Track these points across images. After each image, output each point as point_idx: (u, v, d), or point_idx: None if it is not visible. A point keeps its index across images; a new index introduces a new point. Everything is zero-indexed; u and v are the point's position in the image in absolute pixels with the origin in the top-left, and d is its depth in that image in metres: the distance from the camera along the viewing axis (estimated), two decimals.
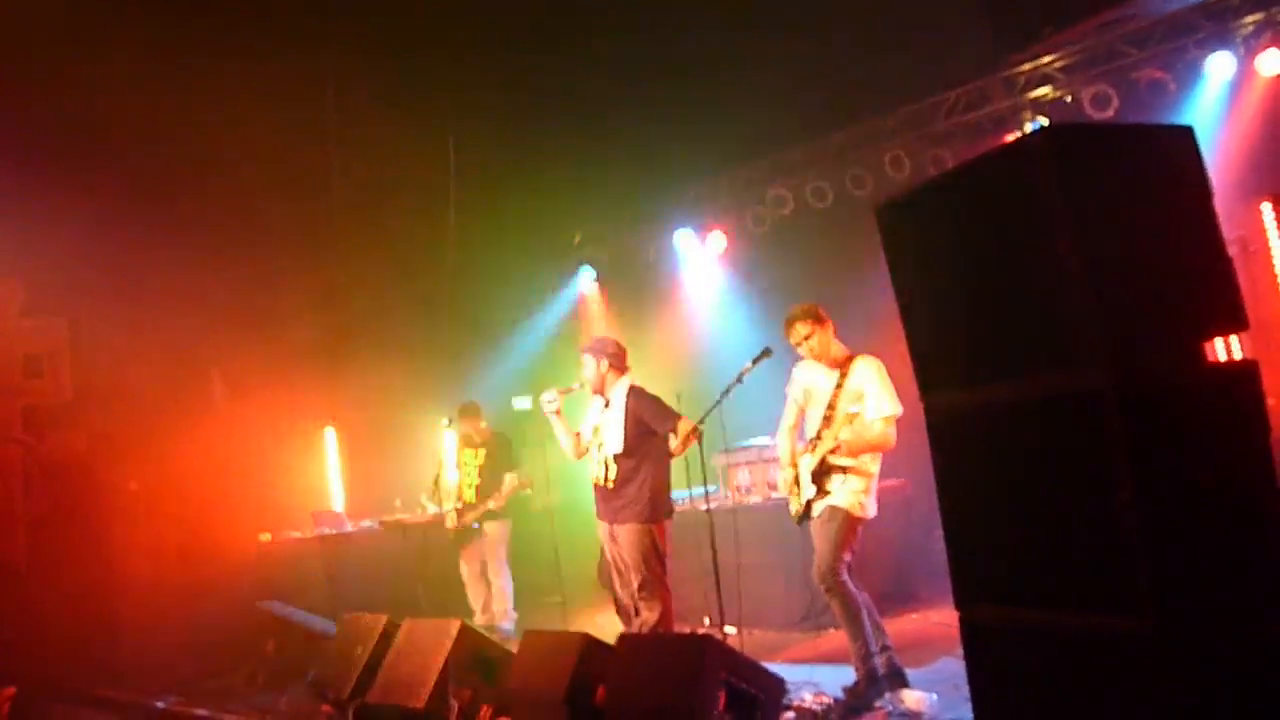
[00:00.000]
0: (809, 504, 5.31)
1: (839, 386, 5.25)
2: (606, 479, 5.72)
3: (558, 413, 5.95)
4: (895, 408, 5.11)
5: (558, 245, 11.62)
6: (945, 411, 2.93)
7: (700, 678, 4.12)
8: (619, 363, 5.90)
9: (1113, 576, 2.39)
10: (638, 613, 5.67)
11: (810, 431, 5.38)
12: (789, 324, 5.38)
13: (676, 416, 5.65)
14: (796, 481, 5.38)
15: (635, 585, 5.64)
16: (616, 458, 5.69)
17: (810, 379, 5.43)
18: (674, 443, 5.61)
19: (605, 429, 5.79)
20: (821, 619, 7.07)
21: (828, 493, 5.24)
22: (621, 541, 5.68)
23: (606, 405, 5.87)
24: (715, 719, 4.13)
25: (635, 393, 5.78)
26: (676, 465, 5.91)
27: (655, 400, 5.75)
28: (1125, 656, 2.38)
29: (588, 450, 5.96)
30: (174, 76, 7.95)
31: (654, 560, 5.59)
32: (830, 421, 5.22)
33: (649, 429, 5.66)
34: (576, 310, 11.87)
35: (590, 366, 5.89)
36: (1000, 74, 8.17)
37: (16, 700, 6.48)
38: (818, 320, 5.31)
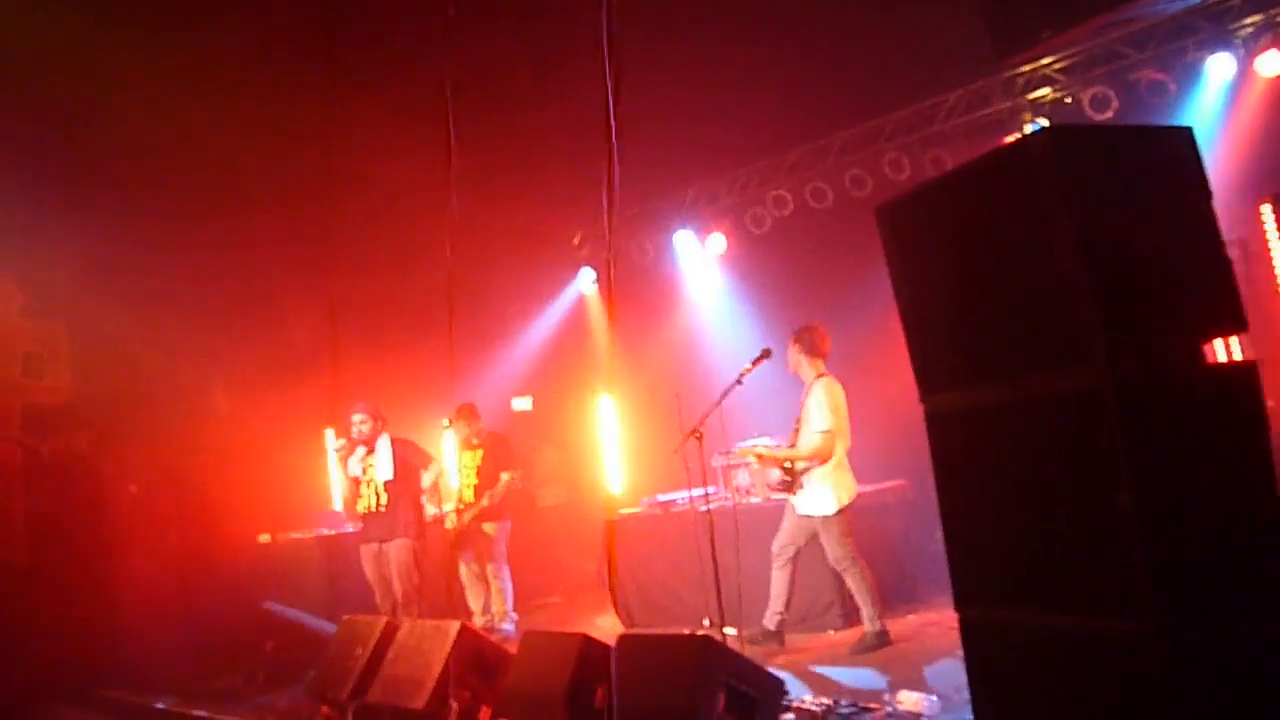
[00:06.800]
0: None
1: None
2: None
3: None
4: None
5: (558, 246, 11.60)
6: (945, 412, 2.93)
7: (700, 679, 4.12)
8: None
9: (1112, 577, 2.39)
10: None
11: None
12: None
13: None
14: None
15: None
16: None
17: None
18: None
19: None
20: (821, 620, 7.07)
21: None
22: None
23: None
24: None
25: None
26: (673, 466, 5.95)
27: None
28: (1125, 657, 2.38)
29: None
30: (171, 79, 7.95)
31: None
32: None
33: None
34: (576, 312, 11.85)
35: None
36: (1000, 75, 8.15)
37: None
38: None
